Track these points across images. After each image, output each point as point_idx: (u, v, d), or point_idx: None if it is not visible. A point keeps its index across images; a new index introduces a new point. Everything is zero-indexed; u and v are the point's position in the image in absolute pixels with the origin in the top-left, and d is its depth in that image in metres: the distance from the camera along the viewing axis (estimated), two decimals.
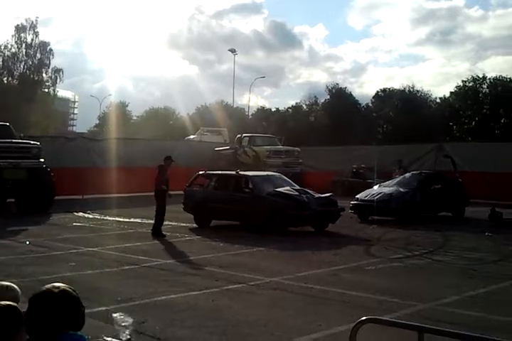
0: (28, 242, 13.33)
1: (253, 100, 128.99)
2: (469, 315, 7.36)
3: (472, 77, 60.86)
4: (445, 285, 9.28)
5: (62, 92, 67.28)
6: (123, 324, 6.92)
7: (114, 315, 7.23)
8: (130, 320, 7.00)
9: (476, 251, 12.48)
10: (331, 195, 16.08)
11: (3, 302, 2.60)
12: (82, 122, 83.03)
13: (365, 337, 3.50)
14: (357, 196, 18.55)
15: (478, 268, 10.53)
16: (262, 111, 72.97)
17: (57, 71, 59.42)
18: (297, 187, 16.12)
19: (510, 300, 8.36)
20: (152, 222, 15.45)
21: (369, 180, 23.08)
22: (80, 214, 19.51)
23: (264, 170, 19.94)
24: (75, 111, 77.43)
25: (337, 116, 58.48)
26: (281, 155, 27.52)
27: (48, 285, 2.62)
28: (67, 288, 2.62)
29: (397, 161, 21.97)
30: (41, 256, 11.71)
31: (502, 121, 56.85)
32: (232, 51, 63.54)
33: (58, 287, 2.60)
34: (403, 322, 3.56)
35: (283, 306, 7.99)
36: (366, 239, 14.36)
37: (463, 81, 61.17)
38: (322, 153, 30.32)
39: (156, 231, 14.73)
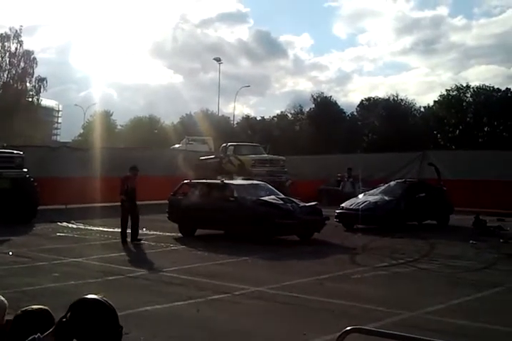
0: (11, 253, 13.17)
1: (238, 109, 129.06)
2: (454, 323, 7.37)
3: (456, 85, 61.41)
4: (430, 293, 9.29)
5: (46, 101, 66.82)
6: None
7: None
8: None
9: (460, 259, 12.52)
10: (315, 204, 16.08)
11: (35, 306, 2.54)
12: (66, 131, 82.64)
13: None
14: (342, 205, 18.59)
15: (462, 276, 10.58)
16: (247, 120, 73.02)
17: (41, 80, 59.16)
18: (282, 196, 16.11)
19: (495, 308, 8.38)
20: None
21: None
22: (64, 224, 19.33)
23: (249, 179, 19.91)
24: (59, 120, 76.88)
25: (322, 124, 58.67)
26: (267, 164, 27.49)
27: (92, 296, 2.46)
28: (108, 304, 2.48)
29: (348, 170, 21.67)
30: (24, 266, 11.57)
31: (485, 129, 57.35)
32: (218, 60, 63.57)
33: (101, 300, 2.45)
34: (388, 332, 3.54)
35: (268, 316, 7.96)
36: (351, 247, 14.36)
37: (447, 90, 61.72)
38: (307, 162, 30.38)
39: (123, 239, 15.11)
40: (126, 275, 10.75)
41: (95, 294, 2.47)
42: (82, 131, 75.29)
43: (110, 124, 71.94)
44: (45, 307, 2.61)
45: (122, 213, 15.43)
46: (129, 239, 15.23)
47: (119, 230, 15.71)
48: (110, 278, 10.50)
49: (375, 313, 7.84)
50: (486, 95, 58.15)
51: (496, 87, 59.28)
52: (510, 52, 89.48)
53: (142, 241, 15.07)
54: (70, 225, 19.11)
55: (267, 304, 8.60)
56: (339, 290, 9.42)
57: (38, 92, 59.63)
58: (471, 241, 14.79)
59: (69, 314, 2.36)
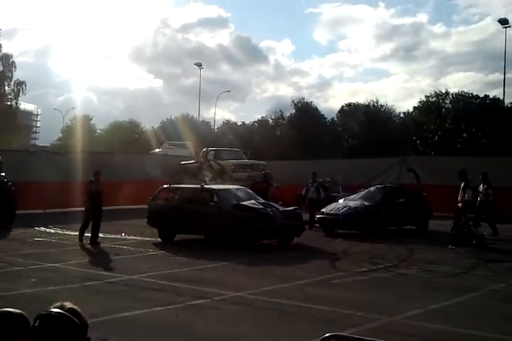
0: None
1: (219, 114, 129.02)
2: (432, 328, 7.41)
3: (435, 92, 61.93)
4: (409, 298, 9.34)
5: (24, 105, 66.27)
6: None
7: None
8: (92, 337, 6.83)
9: (439, 264, 12.61)
10: (295, 209, 16.10)
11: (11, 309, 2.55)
12: (45, 135, 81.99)
13: None
14: (322, 210, 18.63)
15: (441, 281, 10.66)
16: (228, 125, 72.97)
17: (20, 84, 58.73)
18: (262, 201, 16.10)
19: (473, 312, 8.44)
20: (114, 236, 16.24)
21: (334, 194, 23.19)
22: (42, 228, 19.12)
23: (230, 184, 19.90)
24: (38, 124, 76.23)
25: (303, 130, 58.83)
26: (247, 169, 27.51)
27: (57, 305, 2.49)
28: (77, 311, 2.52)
29: (312, 174, 21.23)
30: (1, 271, 11.44)
31: (464, 135, 57.79)
32: (198, 65, 63.59)
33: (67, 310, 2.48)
34: (366, 338, 3.55)
35: (248, 321, 7.94)
36: (331, 252, 14.40)
37: (426, 96, 62.16)
38: (287, 167, 30.40)
39: (80, 237, 15.80)
40: (104, 280, 10.66)
41: (62, 304, 2.49)
42: (61, 135, 74.70)
43: (90, 128, 71.36)
44: (14, 310, 2.60)
45: (85, 216, 15.96)
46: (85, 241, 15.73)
47: (99, 235, 15.72)
48: (88, 283, 10.40)
49: (355, 318, 7.86)
50: (464, 102, 58.71)
51: (474, 93, 59.90)
52: (488, 60, 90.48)
53: (101, 245, 15.36)
54: (48, 230, 18.91)
55: (247, 309, 8.59)
56: (319, 296, 9.43)
57: (16, 96, 59.22)
58: (449, 247, 14.91)
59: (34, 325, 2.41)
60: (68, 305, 2.52)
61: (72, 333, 2.44)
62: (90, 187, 15.88)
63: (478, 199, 17.60)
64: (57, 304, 2.50)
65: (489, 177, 18.09)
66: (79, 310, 2.51)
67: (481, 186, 17.92)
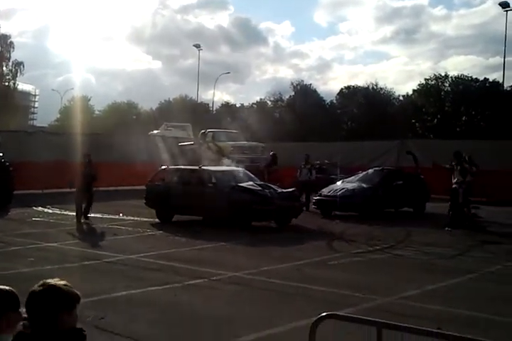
0: None
1: (218, 96, 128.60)
2: (429, 309, 7.44)
3: (435, 75, 61.77)
4: (406, 279, 9.38)
5: (22, 86, 66.01)
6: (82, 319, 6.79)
7: None
8: (89, 316, 6.86)
9: (436, 245, 12.66)
10: (293, 190, 16.10)
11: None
12: (43, 116, 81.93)
13: (326, 330, 3.49)
14: (320, 191, 18.64)
15: (437, 263, 10.71)
16: (227, 107, 72.82)
17: (18, 64, 58.44)
18: (260, 182, 16.10)
19: (468, 293, 8.48)
20: (112, 216, 16.55)
21: (332, 176, 23.20)
22: (40, 208, 19.16)
23: (228, 166, 19.89)
24: (36, 104, 75.98)
25: (302, 112, 58.73)
26: (246, 151, 27.45)
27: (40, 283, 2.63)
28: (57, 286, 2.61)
29: (305, 156, 21.04)
30: None
31: (463, 118, 57.80)
32: (197, 46, 63.19)
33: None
34: (362, 317, 3.58)
35: (245, 301, 7.98)
36: (329, 234, 14.44)
37: (425, 79, 62.09)
38: (286, 149, 30.35)
39: (78, 217, 16.10)
40: (102, 260, 10.68)
41: (45, 282, 2.64)
42: (59, 115, 74.53)
43: (88, 109, 71.21)
44: (10, 288, 2.67)
45: (76, 196, 16.35)
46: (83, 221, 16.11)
47: (97, 215, 15.85)
48: (86, 263, 10.44)
49: (351, 299, 7.90)
50: (464, 85, 58.63)
51: (474, 76, 59.82)
52: (488, 43, 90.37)
53: (99, 225, 15.68)
54: (46, 210, 18.95)
55: (244, 289, 8.62)
56: (316, 276, 9.46)
57: (14, 76, 58.99)
58: (446, 229, 14.96)
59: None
60: (51, 282, 2.62)
61: (52, 306, 2.55)
62: (84, 169, 16.51)
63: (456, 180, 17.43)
64: (41, 282, 2.62)
65: (479, 160, 18.05)
66: (62, 285, 2.61)
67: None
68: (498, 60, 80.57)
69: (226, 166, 18.53)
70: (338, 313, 3.91)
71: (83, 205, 16.28)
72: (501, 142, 26.92)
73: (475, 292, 8.61)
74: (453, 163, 16.22)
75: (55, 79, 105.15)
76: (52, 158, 23.61)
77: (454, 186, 15.92)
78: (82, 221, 15.99)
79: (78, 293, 2.66)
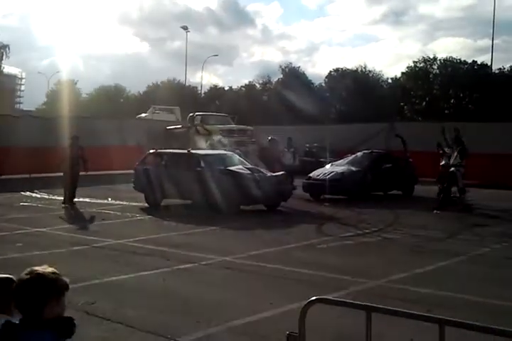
0: None
1: (206, 78, 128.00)
2: (417, 292, 7.49)
3: (423, 57, 61.73)
4: (395, 262, 9.43)
5: (8, 69, 65.13)
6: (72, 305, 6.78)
7: None
8: (79, 301, 6.85)
9: (424, 228, 12.72)
10: (283, 174, 16.07)
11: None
12: (30, 100, 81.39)
13: (317, 313, 3.49)
14: (309, 175, 18.64)
15: (426, 246, 10.75)
16: (215, 90, 72.50)
17: (3, 47, 57.47)
18: (249, 166, 16.07)
19: (457, 276, 8.54)
20: (101, 201, 16.63)
21: (321, 159, 23.22)
22: (28, 193, 19.04)
23: (217, 149, 19.84)
24: (22, 88, 75.21)
25: (290, 95, 58.55)
26: (234, 134, 27.40)
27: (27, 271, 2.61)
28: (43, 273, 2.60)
29: (288, 139, 20.49)
30: None
31: (451, 101, 57.90)
32: (185, 28, 62.69)
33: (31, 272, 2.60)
34: (351, 301, 3.58)
35: (235, 285, 7.99)
36: (318, 217, 14.47)
37: (414, 61, 62.03)
38: (275, 132, 30.29)
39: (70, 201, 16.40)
40: (91, 245, 10.64)
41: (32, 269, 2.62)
42: (45, 99, 73.92)
43: (75, 93, 70.62)
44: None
45: (64, 179, 16.56)
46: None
47: (85, 200, 15.77)
48: (75, 248, 10.39)
49: (340, 282, 7.93)
50: (452, 67, 58.64)
51: (462, 59, 59.86)
52: (477, 25, 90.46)
53: (88, 210, 15.58)
54: (34, 195, 18.84)
55: (234, 273, 8.63)
56: (305, 260, 9.48)
57: (0, 60, 58.05)
58: (434, 212, 15.03)
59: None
60: (39, 270, 2.59)
61: (40, 295, 2.53)
62: (71, 152, 16.57)
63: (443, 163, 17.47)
64: (28, 270, 2.60)
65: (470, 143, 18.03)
66: (50, 273, 2.59)
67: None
68: (487, 42, 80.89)
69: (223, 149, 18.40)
70: (327, 297, 3.89)
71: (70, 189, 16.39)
72: (490, 124, 27.00)
73: (464, 275, 8.67)
74: (447, 144, 16.12)
75: (42, 63, 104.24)
76: (39, 142, 23.43)
77: (451, 169, 15.88)
78: (66, 205, 16.09)
79: (67, 280, 2.64)
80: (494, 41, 53.06)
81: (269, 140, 19.68)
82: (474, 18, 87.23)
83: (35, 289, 2.52)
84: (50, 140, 23.31)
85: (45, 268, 2.60)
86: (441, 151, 16.90)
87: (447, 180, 16.07)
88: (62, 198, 16.48)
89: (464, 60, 59.26)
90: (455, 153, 15.91)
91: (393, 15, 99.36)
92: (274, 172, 15.97)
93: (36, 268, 2.60)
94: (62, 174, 16.80)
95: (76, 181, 16.59)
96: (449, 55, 62.17)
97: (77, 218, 14.41)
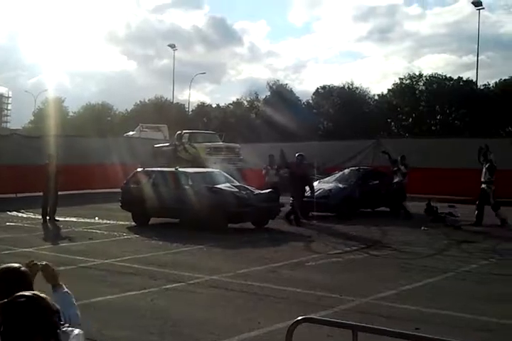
0: None
1: (194, 96, 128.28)
2: (405, 309, 7.49)
3: (409, 74, 62.28)
4: (382, 279, 9.42)
5: None
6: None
7: None
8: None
9: (412, 245, 12.74)
10: (271, 191, 16.06)
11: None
12: (17, 118, 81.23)
13: (306, 332, 3.49)
14: None
15: (414, 262, 10.75)
16: (203, 107, 72.62)
17: None
18: (237, 184, 16.07)
19: (445, 293, 8.55)
20: (88, 220, 16.59)
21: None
22: (14, 213, 18.89)
23: (204, 167, 19.84)
24: (9, 107, 75.10)
25: (278, 112, 58.77)
26: (222, 152, 27.41)
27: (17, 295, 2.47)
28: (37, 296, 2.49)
29: (269, 157, 19.85)
30: None
31: (438, 117, 58.39)
32: (172, 46, 63.04)
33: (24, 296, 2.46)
34: (338, 321, 3.58)
35: (223, 304, 7.94)
36: (306, 235, 14.46)
37: (400, 78, 62.53)
38: (263, 150, 30.36)
39: (43, 218, 16.81)
40: (78, 265, 10.57)
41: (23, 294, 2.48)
42: (32, 118, 73.75)
43: (62, 111, 70.53)
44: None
45: (43, 197, 17.07)
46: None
47: (72, 219, 15.73)
48: (62, 268, 10.23)
49: (328, 300, 7.92)
50: (438, 84, 59.16)
51: (448, 75, 60.39)
52: (462, 41, 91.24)
53: (75, 229, 15.54)
54: (20, 214, 18.70)
55: (222, 292, 8.59)
56: (293, 278, 9.46)
57: None
58: (422, 228, 15.07)
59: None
60: (27, 293, 2.48)
61: (32, 319, 2.40)
62: (48, 170, 16.99)
63: (396, 180, 17.77)
64: (18, 294, 2.47)
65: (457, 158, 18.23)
66: (39, 297, 2.47)
67: (398, 166, 17.92)
68: (472, 58, 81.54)
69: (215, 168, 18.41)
70: (313, 317, 3.91)
71: (48, 207, 16.84)
72: (476, 140, 27.20)
73: (452, 291, 8.67)
74: (479, 161, 16.16)
75: (28, 81, 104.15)
76: (26, 161, 23.30)
77: (482, 186, 15.88)
78: (47, 223, 16.51)
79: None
80: (479, 57, 53.79)
81: (297, 156, 17.84)
82: (459, 35, 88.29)
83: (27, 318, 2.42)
84: (36, 159, 23.22)
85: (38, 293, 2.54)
86: (395, 168, 17.28)
87: (479, 197, 16.07)
88: (41, 217, 16.84)
89: (450, 77, 59.83)
90: (484, 170, 15.96)
91: (379, 33, 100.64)
92: (303, 191, 16.30)
93: (25, 293, 2.53)
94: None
95: (56, 199, 16.93)
96: (435, 71, 62.78)
97: (64, 238, 14.30)
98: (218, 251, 12.29)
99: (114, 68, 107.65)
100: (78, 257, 11.31)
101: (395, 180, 17.59)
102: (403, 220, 16.68)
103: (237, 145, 29.10)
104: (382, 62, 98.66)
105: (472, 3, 49.49)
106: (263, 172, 19.40)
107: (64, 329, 2.56)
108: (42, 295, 2.47)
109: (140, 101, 73.50)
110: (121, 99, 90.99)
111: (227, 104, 73.56)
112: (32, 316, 2.40)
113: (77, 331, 2.65)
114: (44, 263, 3.49)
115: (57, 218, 16.85)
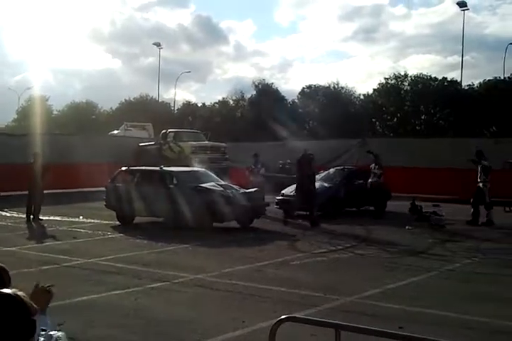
0: None
1: (179, 95, 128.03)
2: (389, 308, 7.52)
3: (394, 74, 62.48)
4: (367, 278, 9.45)
5: None
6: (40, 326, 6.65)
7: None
8: (48, 322, 6.71)
9: (397, 244, 12.80)
10: (256, 190, 16.08)
11: None
12: (0, 116, 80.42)
13: (289, 331, 3.49)
14: (282, 191, 18.66)
15: (398, 261, 10.81)
16: (188, 106, 72.39)
17: None
18: (222, 183, 16.04)
19: (429, 292, 8.59)
20: (72, 219, 16.61)
21: (294, 175, 23.20)
22: None
23: (189, 166, 19.79)
24: None
25: (263, 111, 58.77)
26: (207, 151, 27.34)
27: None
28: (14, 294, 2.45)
29: (254, 156, 20.23)
30: None
31: (422, 117, 58.62)
32: (157, 45, 62.86)
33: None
34: (320, 320, 3.58)
35: (207, 303, 7.93)
36: (291, 234, 14.47)
37: (385, 78, 62.69)
38: (248, 149, 30.35)
39: (27, 218, 16.67)
40: (61, 264, 10.51)
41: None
42: (16, 116, 73.14)
43: (46, 109, 69.93)
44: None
45: (29, 196, 17.00)
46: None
47: (56, 218, 15.64)
48: (45, 267, 10.23)
49: (313, 299, 7.93)
50: (423, 84, 59.40)
51: (433, 75, 60.64)
52: (447, 42, 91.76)
53: (59, 228, 15.45)
54: (4, 213, 18.54)
55: (206, 292, 8.57)
56: (278, 277, 9.47)
57: None
58: (407, 227, 15.14)
59: None
60: (7, 291, 2.45)
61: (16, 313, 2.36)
62: (32, 169, 17.00)
63: (370, 180, 17.99)
64: None
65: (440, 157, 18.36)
66: (15, 294, 2.41)
67: (373, 166, 18.15)
68: (456, 58, 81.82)
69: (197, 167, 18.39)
70: (296, 316, 3.91)
71: (32, 206, 16.76)
72: (460, 140, 27.41)
73: (435, 290, 8.73)
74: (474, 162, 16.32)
75: (12, 79, 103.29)
76: (10, 159, 23.10)
77: (479, 185, 16.11)
78: (31, 222, 16.39)
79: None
80: (464, 57, 54.13)
81: (308, 154, 18.00)
82: (444, 35, 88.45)
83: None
84: (20, 157, 23.01)
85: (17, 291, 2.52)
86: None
87: (474, 195, 16.26)
88: (25, 216, 16.72)
89: (435, 77, 60.04)
90: (479, 170, 16.14)
91: (364, 33, 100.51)
92: (309, 189, 16.24)
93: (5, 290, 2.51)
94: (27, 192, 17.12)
95: (41, 198, 16.89)
96: (420, 71, 62.92)
97: (48, 237, 14.19)
98: (203, 250, 12.26)
99: (98, 66, 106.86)
100: (62, 256, 11.24)
101: (370, 180, 17.86)
102: (375, 219, 16.85)
103: (223, 144, 29.04)
104: (367, 62, 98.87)
105: (457, 3, 49.91)
106: (246, 172, 19.63)
107: (47, 331, 2.54)
108: (21, 293, 2.45)
109: (125, 99, 73.10)
110: (106, 98, 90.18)
111: (212, 103, 73.34)
112: (11, 313, 2.36)
113: (59, 333, 2.63)
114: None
115: (41, 217, 16.73)
